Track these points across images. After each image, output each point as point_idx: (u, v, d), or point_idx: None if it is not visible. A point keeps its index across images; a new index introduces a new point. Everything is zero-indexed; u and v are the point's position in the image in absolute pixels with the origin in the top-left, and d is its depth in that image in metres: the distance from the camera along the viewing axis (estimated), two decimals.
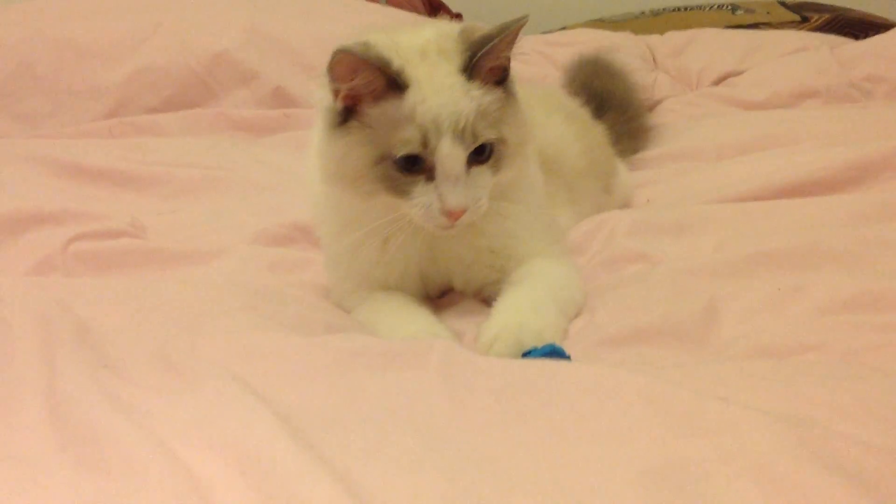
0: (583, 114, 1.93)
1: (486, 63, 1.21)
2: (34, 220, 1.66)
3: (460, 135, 1.18)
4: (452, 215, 1.19)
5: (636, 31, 3.28)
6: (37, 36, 2.57)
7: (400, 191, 1.20)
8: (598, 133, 1.90)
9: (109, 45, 2.58)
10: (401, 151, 1.18)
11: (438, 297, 1.41)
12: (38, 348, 1.08)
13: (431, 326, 1.23)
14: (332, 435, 0.86)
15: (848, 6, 3.39)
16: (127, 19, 2.69)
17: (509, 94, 1.26)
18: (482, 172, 1.22)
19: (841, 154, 1.77)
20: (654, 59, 3.09)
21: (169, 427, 0.88)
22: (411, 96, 1.18)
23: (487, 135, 1.21)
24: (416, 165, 1.19)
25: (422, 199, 1.19)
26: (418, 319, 1.25)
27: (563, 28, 3.34)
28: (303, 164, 1.43)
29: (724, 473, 0.76)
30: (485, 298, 1.35)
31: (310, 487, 0.76)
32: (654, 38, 3.21)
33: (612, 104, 2.21)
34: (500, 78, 1.24)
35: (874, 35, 2.99)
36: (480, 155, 1.21)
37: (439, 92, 1.19)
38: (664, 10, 3.52)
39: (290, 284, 1.46)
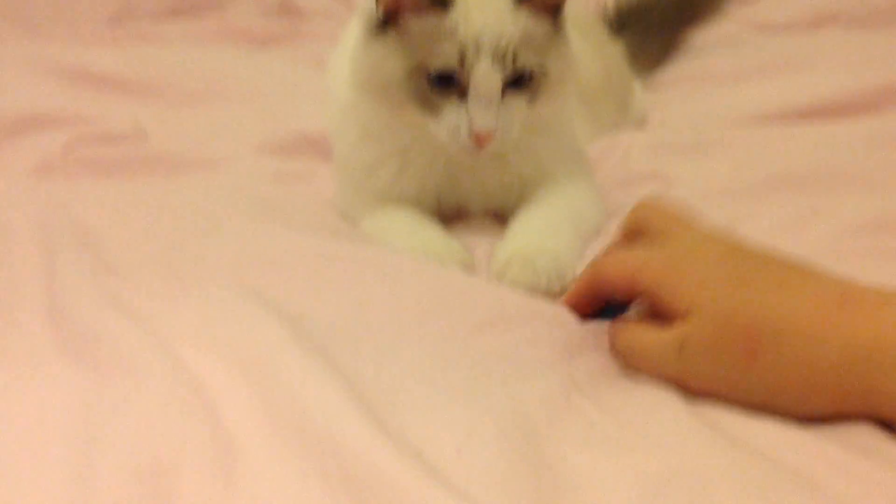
0: (600, 30, 1.88)
1: None
2: (34, 122, 1.62)
3: (500, 57, 1.13)
4: (480, 139, 1.14)
5: None
6: None
7: (429, 107, 1.16)
8: (615, 51, 1.86)
9: None
10: (436, 65, 1.14)
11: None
12: (37, 250, 1.06)
13: (443, 239, 1.20)
14: (341, 343, 0.84)
15: None
16: None
17: (560, 28, 1.22)
18: (517, 101, 1.17)
19: (860, 78, 1.73)
20: None
21: (171, 330, 0.86)
22: (455, 12, 1.13)
23: (528, 62, 1.16)
24: (449, 83, 1.14)
25: (450, 119, 1.15)
26: (430, 233, 1.22)
27: None
28: (330, 69, 1.38)
29: None
30: (498, 215, 1.32)
31: (315, 391, 0.74)
32: None
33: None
34: (553, 9, 1.19)
35: None
36: (518, 82, 1.16)
37: (485, 12, 1.14)
38: None
39: (295, 194, 1.43)
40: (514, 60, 1.14)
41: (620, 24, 2.11)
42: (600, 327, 0.90)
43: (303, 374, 0.76)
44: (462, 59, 1.13)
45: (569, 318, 0.94)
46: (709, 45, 2.40)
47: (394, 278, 1.01)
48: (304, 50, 2.30)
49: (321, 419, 0.71)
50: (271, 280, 0.99)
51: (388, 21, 1.17)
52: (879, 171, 1.33)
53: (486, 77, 1.13)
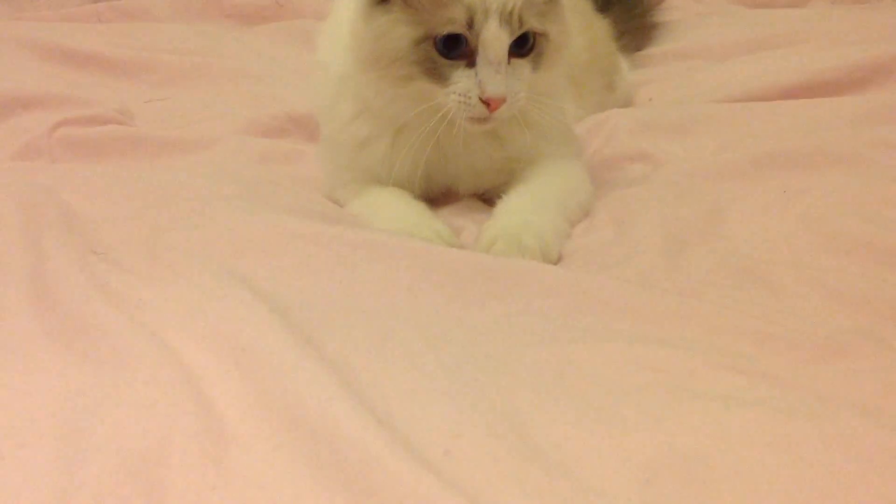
0: (586, 7, 1.87)
1: None
2: (19, 103, 1.61)
3: (507, 18, 1.14)
4: (491, 104, 1.14)
5: None
6: None
7: (438, 75, 1.16)
8: (601, 28, 1.85)
9: None
10: (444, 30, 1.14)
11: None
12: (23, 233, 1.06)
13: (430, 221, 1.20)
14: (332, 329, 0.84)
15: None
16: None
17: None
18: (522, 66, 1.18)
19: (848, 55, 1.74)
20: None
21: (161, 317, 0.86)
22: None
23: (533, 24, 1.16)
24: (457, 49, 1.14)
25: (460, 85, 1.15)
26: (416, 215, 1.22)
27: None
28: (319, 46, 1.37)
29: None
30: (485, 196, 1.32)
31: (305, 380, 0.74)
32: None
33: None
34: None
35: None
36: (522, 47, 1.17)
37: None
38: None
39: (282, 176, 1.42)
40: (521, 21, 1.15)
41: (606, 2, 2.10)
42: (594, 292, 0.92)
43: (294, 361, 0.77)
44: (470, 22, 1.13)
45: (561, 288, 0.94)
46: (696, 20, 2.40)
47: (384, 258, 1.00)
48: (290, 27, 2.30)
49: (313, 407, 0.71)
50: (260, 264, 0.99)
51: None
52: (864, 150, 1.33)
53: (495, 38, 1.13)
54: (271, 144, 1.58)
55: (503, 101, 1.15)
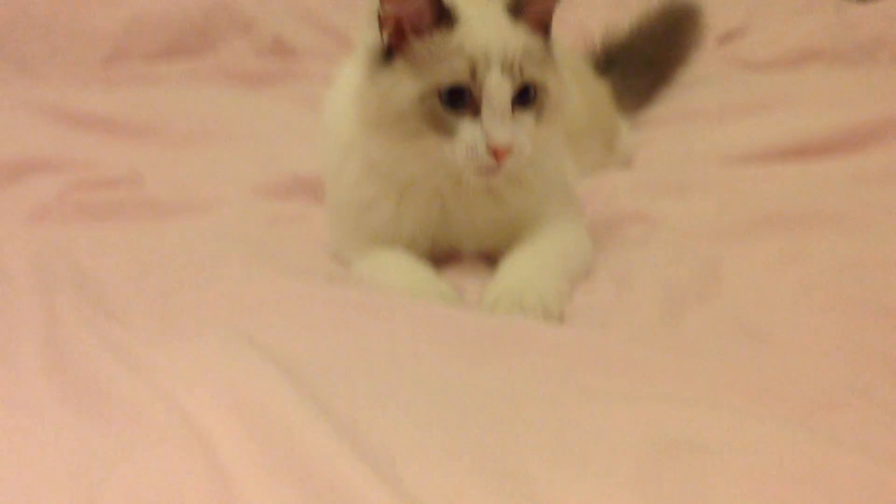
0: (586, 70, 1.92)
1: (532, 5, 1.22)
2: (31, 166, 1.64)
3: (508, 68, 1.17)
4: (498, 153, 1.16)
5: None
6: None
7: (444, 129, 1.18)
8: (600, 90, 1.89)
9: None
10: (448, 81, 1.17)
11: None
12: (36, 295, 1.08)
13: (434, 281, 1.22)
14: (337, 386, 0.87)
15: None
16: None
17: (551, 50, 1.26)
18: (526, 117, 1.21)
19: (844, 116, 1.76)
20: None
21: (171, 377, 0.88)
22: (460, 29, 1.18)
23: (533, 74, 1.20)
24: (461, 101, 1.18)
25: (467, 137, 1.17)
26: (420, 275, 1.24)
27: None
28: (325, 111, 1.40)
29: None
30: (488, 257, 1.34)
31: (312, 438, 0.76)
32: None
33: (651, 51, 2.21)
34: (544, 26, 1.25)
35: None
36: (525, 98, 1.20)
37: (488, 26, 1.19)
38: None
39: (289, 237, 1.45)
40: (522, 71, 1.18)
41: (607, 63, 2.14)
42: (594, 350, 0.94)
43: (301, 419, 0.78)
44: (473, 72, 1.16)
45: (562, 346, 0.96)
46: (694, 83, 2.43)
47: (388, 318, 1.03)
48: (298, 89, 2.33)
49: (319, 465, 0.73)
50: (267, 324, 1.01)
51: (392, 49, 1.20)
52: (861, 211, 1.35)
53: (498, 87, 1.16)
54: (278, 206, 1.61)
55: (510, 150, 1.17)
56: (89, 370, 0.90)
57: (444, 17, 1.18)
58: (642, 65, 2.23)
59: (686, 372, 0.92)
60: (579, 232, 1.35)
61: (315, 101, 1.68)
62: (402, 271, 1.26)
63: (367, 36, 1.23)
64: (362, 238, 1.33)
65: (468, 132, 1.17)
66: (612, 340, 0.99)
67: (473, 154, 1.17)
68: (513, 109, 1.19)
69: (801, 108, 1.99)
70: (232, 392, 0.84)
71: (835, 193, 1.46)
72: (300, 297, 1.07)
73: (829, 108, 1.91)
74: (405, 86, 1.19)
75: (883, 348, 0.97)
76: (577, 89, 1.66)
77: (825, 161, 1.65)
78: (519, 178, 1.27)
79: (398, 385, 0.88)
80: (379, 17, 1.20)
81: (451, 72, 1.17)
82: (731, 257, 1.24)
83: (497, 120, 1.17)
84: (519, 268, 1.21)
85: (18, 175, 1.62)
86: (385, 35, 1.20)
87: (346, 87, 1.32)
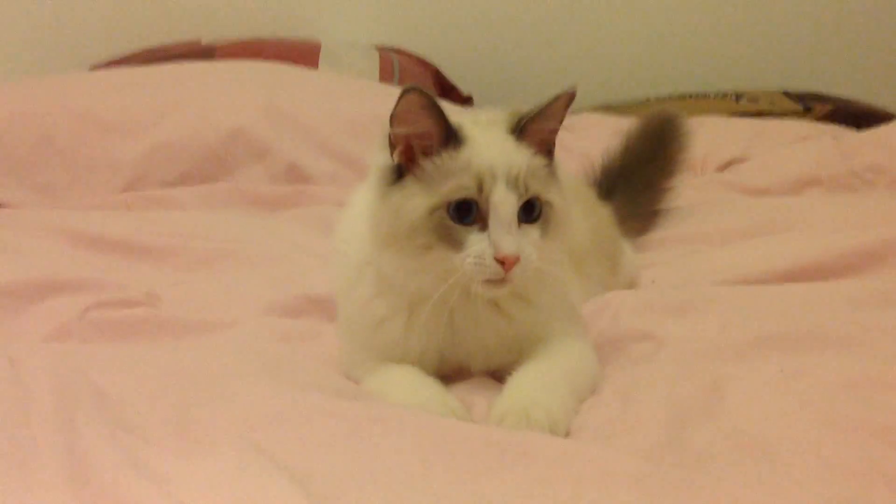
0: (589, 194, 1.98)
1: (534, 127, 1.29)
2: (52, 288, 1.69)
3: (513, 183, 1.24)
4: (506, 262, 1.21)
5: None
6: (59, 109, 2.62)
7: (453, 241, 1.24)
8: (604, 213, 1.94)
9: (129, 120, 2.63)
10: (456, 196, 1.24)
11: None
12: (56, 411, 1.10)
13: (442, 397, 1.25)
14: (350, 499, 0.89)
15: (850, 97, 3.46)
16: (147, 95, 2.74)
17: (555, 171, 1.33)
18: (532, 230, 1.27)
19: (842, 241, 1.80)
20: None
21: (187, 490, 0.90)
22: (466, 149, 1.26)
23: (538, 190, 1.27)
24: (469, 215, 1.24)
25: (475, 248, 1.23)
26: (429, 391, 1.27)
27: (570, 113, 3.36)
28: (338, 232, 1.46)
29: None
30: (496, 374, 1.37)
31: None
32: None
33: (640, 175, 2.27)
34: (546, 147, 1.32)
35: (876, 126, 3.05)
36: (531, 213, 1.27)
37: (493, 146, 1.27)
38: (669, 96, 3.58)
39: (301, 354, 1.48)
40: (526, 186, 1.25)
41: (608, 188, 2.20)
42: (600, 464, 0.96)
43: None
44: (480, 187, 1.23)
45: (567, 459, 0.99)
46: (696, 207, 2.49)
47: (397, 431, 1.05)
48: (311, 213, 2.39)
49: None
50: (280, 438, 1.04)
51: (402, 169, 1.27)
52: (859, 333, 1.38)
53: (504, 200, 1.23)
54: (291, 324, 1.65)
55: (517, 259, 1.22)
56: (109, 482, 0.92)
57: (451, 138, 1.26)
58: (640, 186, 2.29)
59: (689, 486, 0.94)
60: (585, 350, 1.38)
61: (327, 224, 1.75)
62: (412, 387, 1.29)
63: (379, 158, 1.31)
64: (372, 355, 1.36)
65: (476, 243, 1.23)
66: (617, 454, 1.01)
67: (481, 264, 1.22)
68: (519, 223, 1.25)
69: (801, 232, 2.04)
70: (247, 502, 0.87)
71: (834, 315, 1.48)
72: (312, 410, 1.10)
73: (828, 232, 1.95)
74: (415, 201, 1.25)
75: (883, 465, 0.99)
76: (580, 213, 1.72)
77: (824, 284, 1.68)
78: (525, 294, 1.32)
79: (407, 496, 0.91)
80: (390, 139, 1.28)
81: (459, 187, 1.24)
82: (733, 375, 1.26)
83: (504, 231, 1.22)
84: (526, 384, 1.24)
85: (40, 295, 1.67)
86: (396, 155, 1.28)
87: (358, 209, 1.38)
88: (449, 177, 1.24)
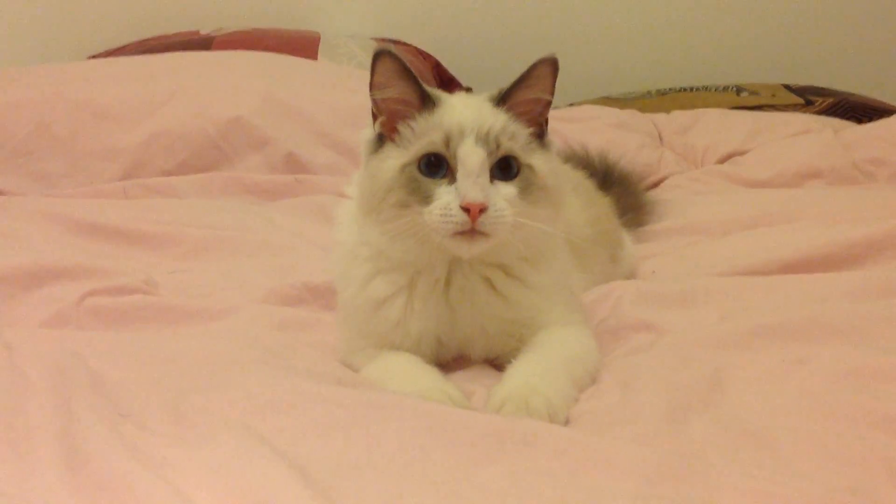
0: (589, 185, 1.97)
1: (516, 96, 1.32)
2: (50, 274, 1.68)
3: (483, 139, 1.26)
4: (471, 210, 1.22)
5: (643, 110, 3.32)
6: (56, 97, 2.61)
7: (424, 197, 1.26)
8: (604, 204, 1.94)
9: (127, 109, 2.62)
10: (423, 150, 1.27)
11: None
12: (53, 396, 1.10)
13: (441, 385, 1.24)
14: (348, 486, 0.88)
15: (851, 91, 3.46)
16: (145, 84, 2.74)
17: (547, 148, 1.35)
18: (506, 187, 1.28)
19: (843, 232, 1.80)
20: (660, 137, 3.14)
21: (185, 476, 0.90)
22: (440, 111, 1.30)
23: (513, 149, 1.29)
24: (439, 170, 1.27)
25: (442, 200, 1.24)
26: (428, 378, 1.27)
27: (570, 105, 3.39)
28: (336, 225, 1.46)
29: None
30: (496, 362, 1.37)
31: None
32: (660, 117, 3.26)
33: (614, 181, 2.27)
34: (532, 118, 1.34)
35: (877, 120, 3.06)
36: (506, 172, 1.28)
37: (467, 108, 1.31)
38: (670, 89, 3.57)
39: (299, 342, 1.48)
40: (498, 144, 1.27)
41: (607, 180, 2.20)
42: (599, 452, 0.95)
43: None
44: (447, 142, 1.26)
45: (567, 447, 0.98)
46: (696, 199, 2.49)
47: (396, 418, 1.05)
48: (308, 202, 2.38)
49: None
50: (278, 425, 1.03)
51: (383, 138, 1.32)
52: (860, 322, 1.37)
53: (470, 152, 1.25)
54: (289, 313, 1.64)
55: (483, 207, 1.23)
56: (104, 468, 0.92)
57: (426, 103, 1.30)
58: (637, 177, 2.29)
59: (689, 474, 0.94)
60: (586, 338, 1.37)
61: (325, 213, 1.74)
62: (411, 375, 1.28)
63: (365, 133, 1.35)
64: (371, 342, 1.36)
65: (443, 195, 1.25)
66: (617, 442, 1.01)
67: (448, 215, 1.24)
68: (493, 180, 1.27)
69: (801, 224, 2.04)
70: (244, 489, 0.86)
71: (834, 306, 1.48)
72: (311, 398, 1.10)
73: (828, 224, 1.95)
74: (389, 162, 1.29)
75: (883, 454, 0.98)
76: (579, 203, 1.72)
77: (824, 275, 1.68)
78: (517, 273, 1.34)
79: (406, 483, 0.90)
80: (372, 111, 1.33)
81: (427, 143, 1.27)
82: (733, 365, 1.26)
83: (469, 181, 1.24)
84: (526, 372, 1.24)
85: (38, 282, 1.66)
86: (377, 125, 1.32)
87: (352, 202, 1.39)
88: (421, 136, 1.29)
